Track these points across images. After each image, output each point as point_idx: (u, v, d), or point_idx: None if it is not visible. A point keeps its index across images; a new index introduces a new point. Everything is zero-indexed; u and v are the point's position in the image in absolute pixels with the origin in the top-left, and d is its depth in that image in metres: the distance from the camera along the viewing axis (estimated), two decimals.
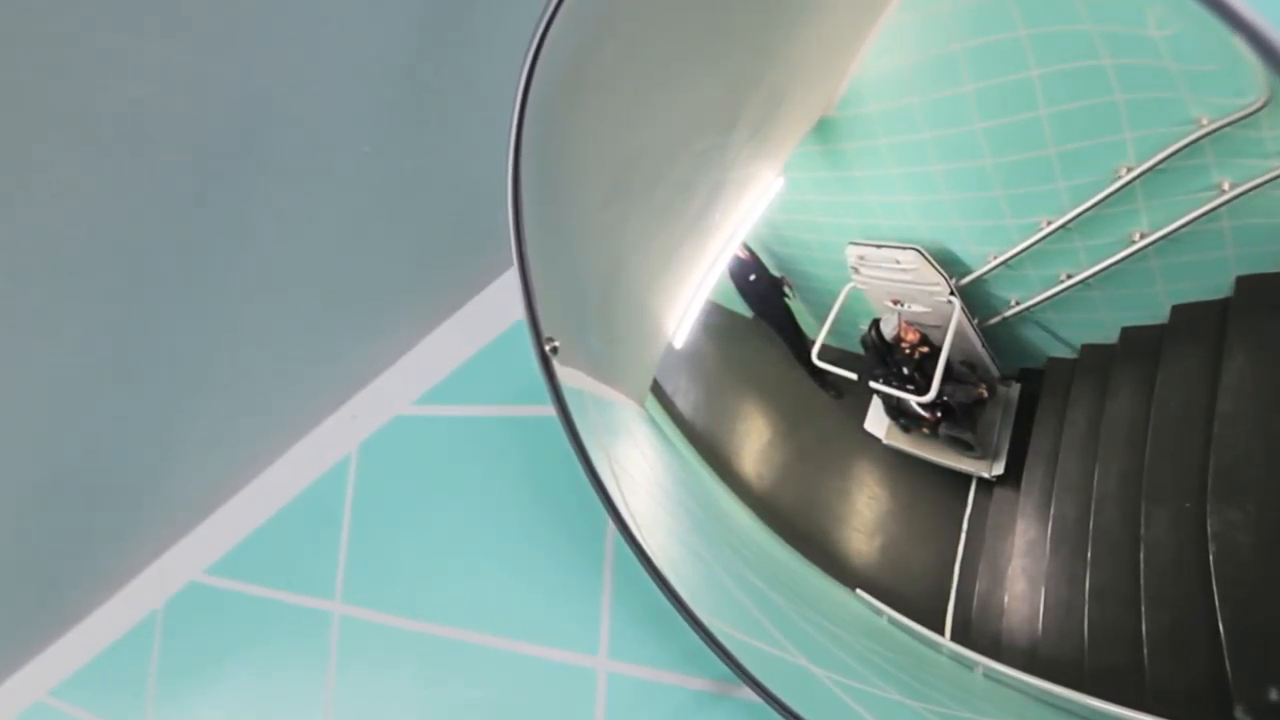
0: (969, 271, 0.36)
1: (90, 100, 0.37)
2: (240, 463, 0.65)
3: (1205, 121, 0.28)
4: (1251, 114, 0.27)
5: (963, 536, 0.37)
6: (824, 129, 0.38)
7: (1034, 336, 0.36)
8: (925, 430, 0.39)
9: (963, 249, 0.36)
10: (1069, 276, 0.35)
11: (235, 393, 0.59)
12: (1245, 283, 0.30)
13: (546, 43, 0.35)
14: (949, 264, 0.36)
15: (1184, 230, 0.31)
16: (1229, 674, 0.30)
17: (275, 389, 0.59)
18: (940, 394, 0.37)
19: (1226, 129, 0.28)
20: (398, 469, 0.59)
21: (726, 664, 0.39)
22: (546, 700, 0.48)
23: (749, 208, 0.40)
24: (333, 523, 0.60)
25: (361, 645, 0.57)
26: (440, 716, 0.52)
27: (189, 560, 0.68)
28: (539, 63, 0.36)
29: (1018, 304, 0.36)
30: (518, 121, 0.37)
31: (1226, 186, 0.29)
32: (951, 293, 0.36)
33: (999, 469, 0.37)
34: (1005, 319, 0.36)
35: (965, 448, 0.38)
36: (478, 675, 0.51)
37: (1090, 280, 0.34)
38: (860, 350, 0.40)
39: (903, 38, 0.36)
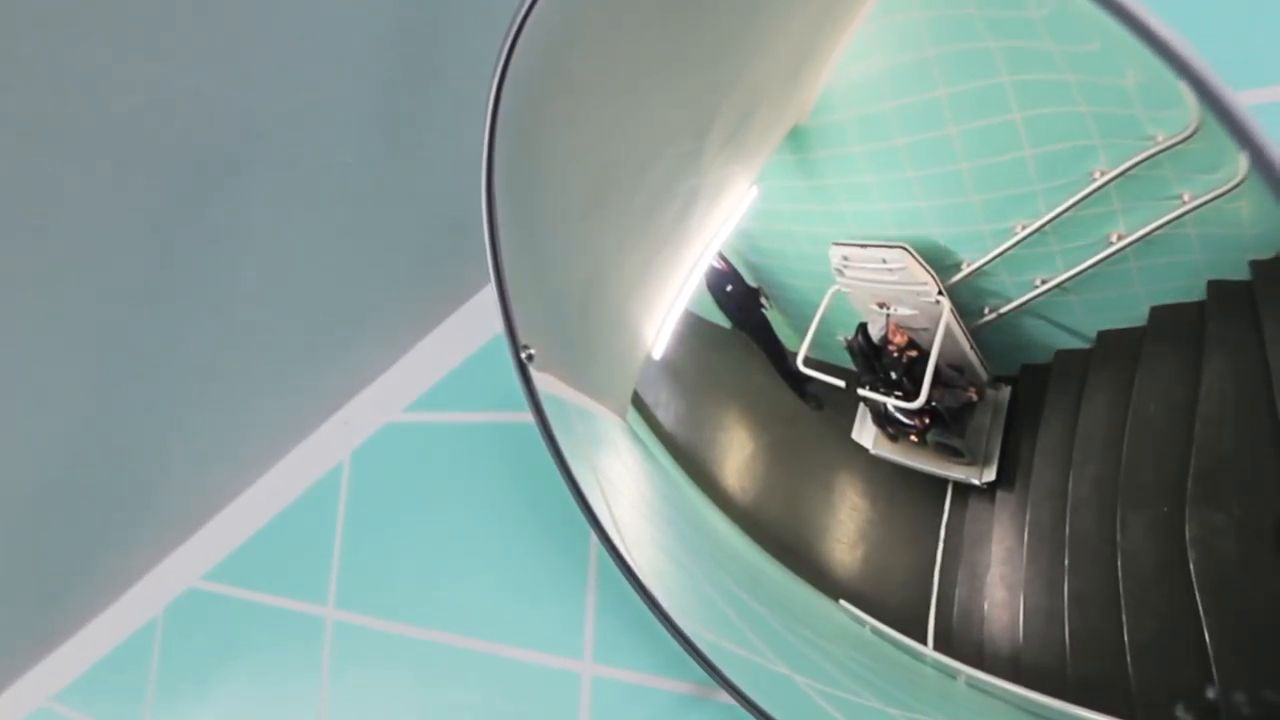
0: (955, 272, 0.36)
1: (75, 114, 0.37)
2: (237, 469, 0.65)
3: (1161, 138, 0.28)
4: (1192, 134, 0.26)
5: (940, 544, 0.37)
6: (797, 137, 0.38)
7: (1021, 338, 0.36)
8: (914, 438, 0.38)
9: (941, 253, 0.36)
10: (1044, 281, 0.34)
11: (230, 401, 0.59)
12: (1215, 287, 0.30)
13: (516, 53, 0.35)
14: (937, 262, 0.36)
15: (1159, 233, 0.31)
16: (1215, 681, 0.30)
17: (268, 397, 0.60)
18: (930, 399, 0.37)
19: (1180, 145, 0.28)
20: (389, 476, 0.59)
21: (705, 670, 0.39)
22: (533, 703, 0.49)
23: (724, 217, 0.40)
24: (326, 529, 0.61)
25: (353, 650, 0.57)
26: (430, 719, 0.53)
27: (188, 567, 0.69)
28: (509, 73, 0.36)
29: (1003, 308, 0.35)
30: (490, 130, 0.37)
31: (1187, 198, 0.29)
32: (940, 292, 0.36)
33: (990, 475, 0.36)
34: (994, 321, 0.36)
35: (955, 454, 0.37)
36: (466, 679, 0.52)
37: (1067, 284, 0.34)
38: (840, 362, 0.39)
39: (875, 44, 0.35)
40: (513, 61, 0.36)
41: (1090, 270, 0.33)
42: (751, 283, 0.41)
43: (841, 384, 0.39)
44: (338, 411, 0.62)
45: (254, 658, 0.63)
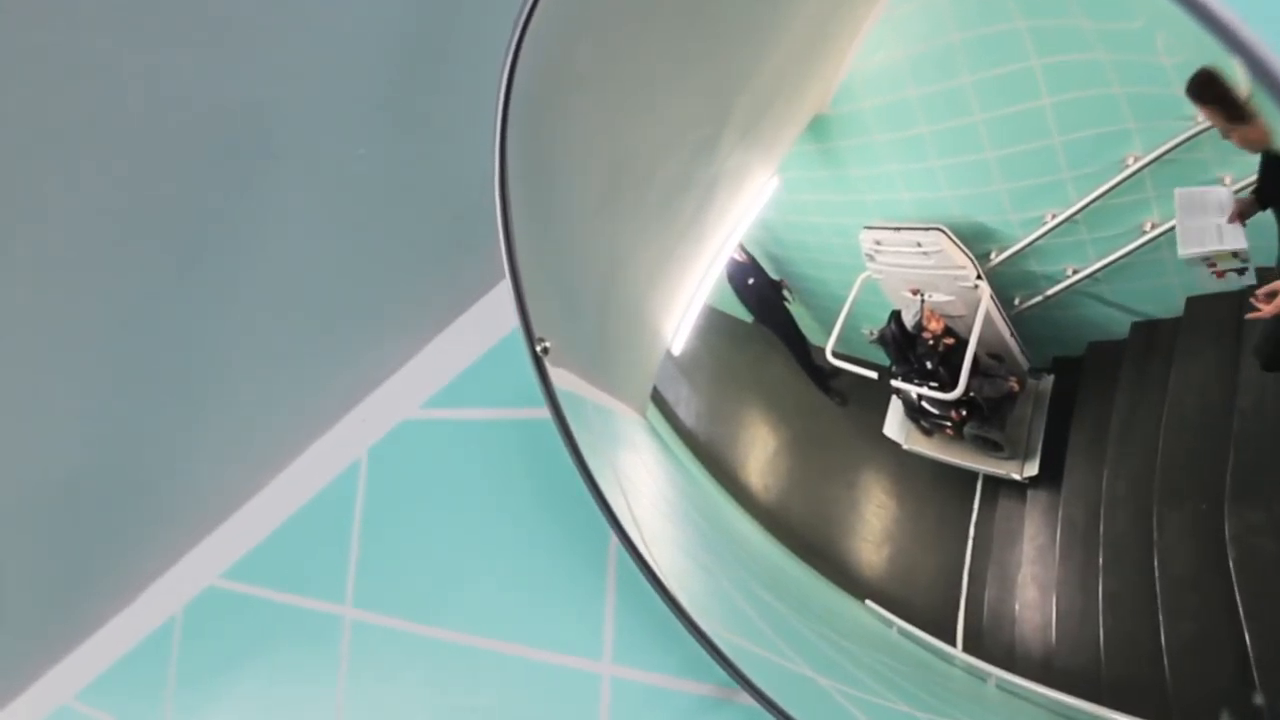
0: (985, 262, 0.34)
1: (81, 107, 0.37)
2: (255, 467, 0.65)
3: (1200, 119, 0.27)
4: None
5: (970, 543, 0.36)
6: (818, 127, 0.37)
7: (1053, 329, 0.34)
8: (949, 432, 0.37)
9: (977, 236, 0.35)
10: (1075, 271, 0.33)
11: (247, 398, 0.59)
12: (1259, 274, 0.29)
13: (525, 41, 0.34)
14: (976, 244, 0.34)
15: None
16: (1257, 686, 0.29)
17: (284, 394, 0.60)
18: (968, 389, 0.35)
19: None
20: (407, 473, 0.59)
21: (727, 671, 0.38)
22: (552, 705, 0.48)
23: (744, 209, 0.39)
24: (344, 527, 0.61)
25: (372, 650, 0.57)
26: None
27: (207, 565, 0.69)
28: (519, 61, 0.35)
29: (1033, 298, 0.34)
30: (501, 119, 0.36)
31: (1229, 182, 0.28)
32: (979, 276, 0.34)
33: (1032, 469, 0.35)
34: (1026, 310, 0.34)
35: (994, 448, 0.36)
36: (484, 680, 0.51)
37: (1100, 274, 0.33)
38: (867, 356, 0.38)
39: (898, 30, 0.35)
40: (523, 50, 0.35)
41: (1123, 260, 0.32)
42: (774, 275, 0.40)
43: (874, 375, 0.38)
44: (355, 408, 0.62)
45: (272, 657, 0.63)
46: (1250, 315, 0.29)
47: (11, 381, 0.49)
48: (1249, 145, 0.27)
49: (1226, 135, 0.27)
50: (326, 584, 0.61)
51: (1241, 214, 0.29)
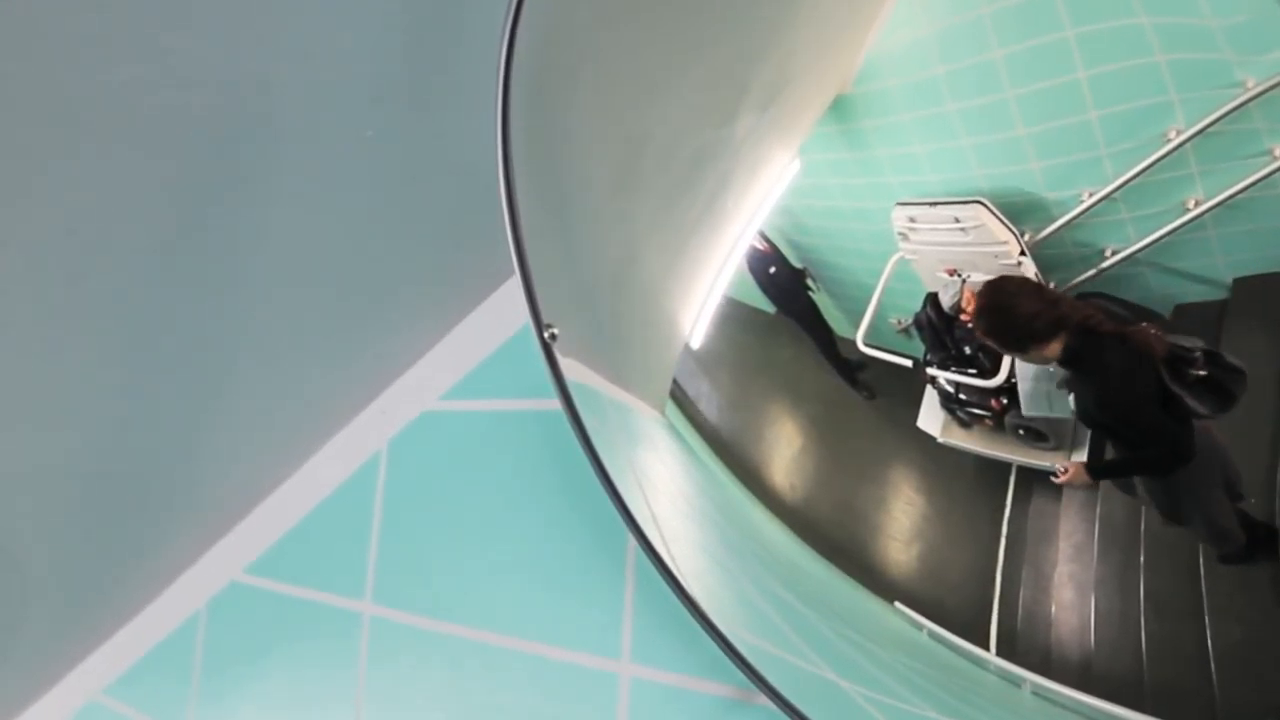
0: (1031, 234, 0.33)
1: (81, 83, 0.36)
2: (278, 460, 0.65)
3: (1251, 84, 0.26)
4: None
5: (1003, 541, 0.35)
6: (841, 107, 0.36)
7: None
8: (989, 423, 0.35)
9: (1019, 211, 0.33)
10: (1114, 252, 0.32)
11: (267, 392, 0.59)
12: None
13: (523, 12, 0.33)
14: (1019, 218, 0.33)
15: (1243, 196, 0.28)
16: None
17: (304, 387, 0.59)
18: (1010, 375, 0.34)
19: (1274, 91, 0.25)
20: (427, 465, 0.59)
21: (744, 672, 0.37)
22: (570, 704, 0.48)
23: (764, 194, 0.38)
24: (363, 521, 0.61)
25: (390, 646, 0.57)
26: (466, 718, 0.52)
27: (229, 560, 0.70)
28: (518, 33, 0.34)
29: (1070, 281, 0.33)
30: (503, 97, 0.35)
31: (1279, 153, 0.26)
32: (1023, 253, 0.33)
33: (1080, 460, 0.33)
34: (1075, 287, 0.33)
35: (1038, 438, 0.34)
36: (502, 678, 0.51)
37: (1140, 254, 0.31)
38: (894, 347, 0.37)
39: (923, 5, 0.34)
40: (523, 20, 0.34)
41: (1165, 239, 0.31)
42: (796, 263, 0.39)
43: (908, 363, 0.37)
44: (374, 400, 0.62)
45: (295, 653, 0.63)
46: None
47: (27, 380, 0.49)
48: (1044, 361, 0.32)
49: (1025, 359, 0.32)
50: (346, 580, 0.61)
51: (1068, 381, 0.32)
